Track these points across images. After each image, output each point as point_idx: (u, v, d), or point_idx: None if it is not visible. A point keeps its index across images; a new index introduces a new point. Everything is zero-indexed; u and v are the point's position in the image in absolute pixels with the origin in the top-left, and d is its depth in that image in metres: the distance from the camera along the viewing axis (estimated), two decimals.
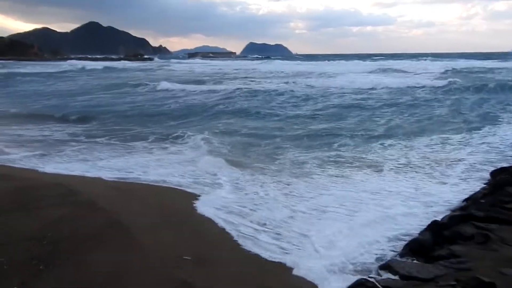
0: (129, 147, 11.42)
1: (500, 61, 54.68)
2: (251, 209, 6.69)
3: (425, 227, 5.35)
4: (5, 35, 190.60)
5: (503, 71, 35.09)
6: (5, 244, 4.83)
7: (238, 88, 25.57)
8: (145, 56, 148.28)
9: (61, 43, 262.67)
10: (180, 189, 7.81)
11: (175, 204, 7.03)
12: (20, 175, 7.85)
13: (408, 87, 24.72)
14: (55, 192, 6.60)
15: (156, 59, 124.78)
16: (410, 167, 8.99)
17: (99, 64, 68.96)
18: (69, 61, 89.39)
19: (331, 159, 9.84)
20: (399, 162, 9.35)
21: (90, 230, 5.38)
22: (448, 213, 6.15)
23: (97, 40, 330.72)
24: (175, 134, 13.06)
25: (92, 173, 8.72)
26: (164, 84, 28.87)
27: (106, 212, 6.07)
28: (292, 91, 24.38)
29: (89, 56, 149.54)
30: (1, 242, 4.87)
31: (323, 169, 8.99)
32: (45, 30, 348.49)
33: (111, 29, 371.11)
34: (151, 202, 7.00)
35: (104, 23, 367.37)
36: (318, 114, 16.78)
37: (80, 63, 73.56)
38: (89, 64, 69.50)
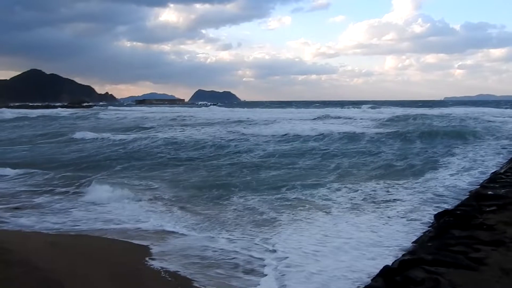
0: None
1: (438, 108, 56.25)
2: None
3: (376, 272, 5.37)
4: None
5: (445, 117, 35.34)
6: None
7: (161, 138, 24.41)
8: (85, 104, 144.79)
9: (1, 90, 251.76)
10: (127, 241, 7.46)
11: (123, 259, 6.65)
12: None
13: (355, 133, 24.94)
14: None
15: (94, 107, 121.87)
16: (357, 209, 9.22)
17: (29, 112, 66.07)
18: None
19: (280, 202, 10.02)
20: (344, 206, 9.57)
21: None
22: (396, 255, 6.28)
23: (39, 87, 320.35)
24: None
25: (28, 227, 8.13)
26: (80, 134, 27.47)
27: (42, 271, 5.57)
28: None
29: (30, 104, 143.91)
30: None
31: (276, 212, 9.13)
32: None
33: (54, 76, 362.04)
34: (97, 257, 6.57)
35: (48, 71, 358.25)
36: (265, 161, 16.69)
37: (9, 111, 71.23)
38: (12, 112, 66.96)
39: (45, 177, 13.51)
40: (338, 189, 11.24)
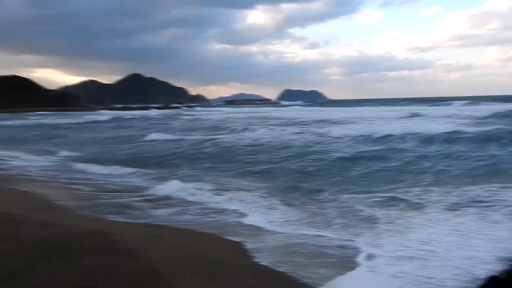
0: None
1: None
2: None
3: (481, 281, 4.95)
4: (55, 87, 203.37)
5: None
6: None
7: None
8: (173, 105, 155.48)
9: (106, 93, 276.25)
10: (226, 238, 7.82)
11: (221, 253, 6.93)
12: (65, 223, 7.97)
13: (448, 133, 22.54)
14: (95, 240, 6.63)
15: (183, 107, 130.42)
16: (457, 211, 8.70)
17: (127, 114, 72.63)
18: (99, 111, 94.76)
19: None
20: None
21: (129, 280, 5.29)
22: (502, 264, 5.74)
23: (139, 90, 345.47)
24: None
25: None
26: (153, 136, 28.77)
27: (144, 261, 5.99)
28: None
29: (130, 106, 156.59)
30: None
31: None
32: (91, 82, 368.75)
33: (152, 79, 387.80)
34: (194, 250, 6.94)
35: (146, 74, 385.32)
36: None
37: (109, 113, 79.97)
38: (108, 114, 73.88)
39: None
40: (434, 191, 10.61)
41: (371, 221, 8.54)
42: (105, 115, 71.98)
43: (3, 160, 19.15)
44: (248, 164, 16.86)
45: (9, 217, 7.75)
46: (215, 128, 35.88)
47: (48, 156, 20.60)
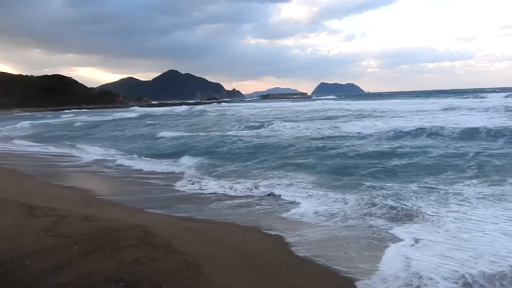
0: None
1: None
2: None
3: None
4: (96, 85, 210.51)
5: None
6: (85, 285, 4.91)
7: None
8: (206, 101, 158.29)
9: (144, 90, 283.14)
10: (264, 231, 7.85)
11: (257, 247, 6.94)
12: (104, 217, 8.16)
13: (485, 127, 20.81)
14: (133, 234, 6.74)
15: (214, 103, 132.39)
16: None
17: (150, 111, 74.45)
18: (132, 108, 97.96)
19: None
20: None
21: (166, 273, 5.33)
22: None
23: (176, 86, 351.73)
24: None
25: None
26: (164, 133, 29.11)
27: (181, 254, 6.02)
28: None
29: (167, 102, 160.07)
30: (83, 283, 4.96)
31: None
32: (130, 80, 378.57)
33: (188, 75, 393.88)
34: (231, 244, 6.96)
35: (182, 71, 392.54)
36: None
37: (140, 110, 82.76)
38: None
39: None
40: (475, 184, 10.28)
41: (416, 212, 8.41)
42: (135, 112, 73.32)
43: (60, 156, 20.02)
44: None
45: (52, 212, 8.00)
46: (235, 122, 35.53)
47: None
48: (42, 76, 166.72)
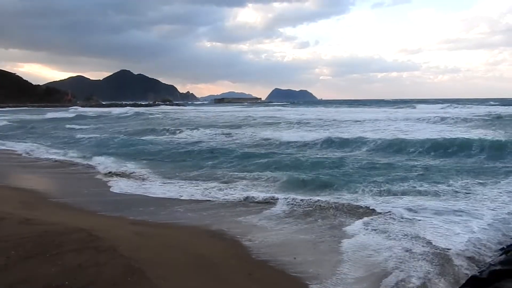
0: None
1: None
2: None
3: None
4: (42, 83, 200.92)
5: None
6: None
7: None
8: (160, 103, 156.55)
9: (94, 90, 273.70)
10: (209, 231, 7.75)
11: (204, 249, 6.89)
12: (46, 220, 7.86)
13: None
14: (76, 237, 6.54)
15: (162, 106, 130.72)
16: None
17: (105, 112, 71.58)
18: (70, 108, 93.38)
19: None
20: None
21: (110, 278, 5.22)
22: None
23: (128, 87, 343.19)
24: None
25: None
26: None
27: (127, 259, 5.92)
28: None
29: (118, 102, 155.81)
30: None
31: None
32: (79, 78, 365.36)
33: (141, 76, 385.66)
34: (181, 248, 6.88)
35: (135, 71, 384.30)
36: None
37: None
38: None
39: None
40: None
41: None
42: (72, 112, 70.43)
43: None
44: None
45: None
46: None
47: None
48: None
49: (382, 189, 10.97)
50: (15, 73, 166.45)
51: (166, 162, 16.80)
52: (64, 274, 5.16)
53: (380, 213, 8.85)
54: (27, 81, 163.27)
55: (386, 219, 8.42)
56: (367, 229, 7.91)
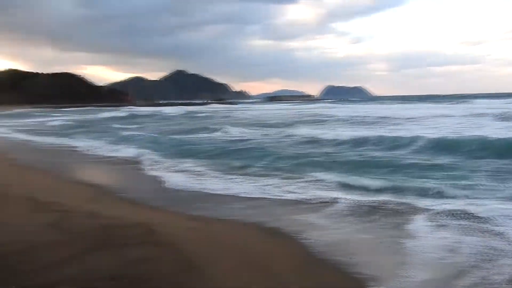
0: None
1: None
2: None
3: None
4: (104, 84, 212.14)
5: None
6: (88, 281, 4.96)
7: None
8: (213, 101, 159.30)
9: (152, 90, 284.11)
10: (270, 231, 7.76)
11: (264, 248, 6.89)
12: (108, 214, 8.21)
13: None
14: (137, 231, 6.78)
15: (214, 104, 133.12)
16: None
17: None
18: (122, 108, 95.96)
19: None
20: None
21: (168, 272, 5.36)
22: None
23: (182, 86, 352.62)
24: None
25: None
26: None
27: (184, 254, 6.05)
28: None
29: (174, 102, 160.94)
30: (86, 279, 5.01)
31: None
32: (138, 79, 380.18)
33: (195, 76, 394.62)
34: (233, 245, 6.93)
35: (190, 71, 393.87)
36: None
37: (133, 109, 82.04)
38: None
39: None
40: None
41: None
42: (123, 112, 72.82)
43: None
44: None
45: (58, 207, 8.08)
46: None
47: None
48: (52, 73, 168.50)
49: (446, 188, 10.45)
50: (80, 75, 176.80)
51: (220, 159, 17.01)
52: (126, 267, 5.36)
53: (449, 212, 8.39)
54: (91, 82, 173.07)
55: (456, 218, 7.98)
56: (433, 228, 7.54)
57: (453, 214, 8.27)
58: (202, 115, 57.43)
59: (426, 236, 7.18)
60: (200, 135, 27.00)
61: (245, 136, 25.41)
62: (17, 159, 17.35)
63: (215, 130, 30.39)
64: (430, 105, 65.14)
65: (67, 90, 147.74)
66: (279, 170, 14.17)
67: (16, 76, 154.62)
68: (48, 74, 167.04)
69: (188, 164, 15.70)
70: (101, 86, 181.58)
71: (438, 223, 7.79)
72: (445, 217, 8.12)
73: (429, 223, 7.82)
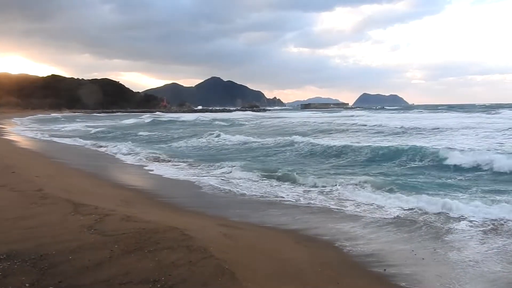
0: None
1: None
2: None
3: None
4: (141, 90, 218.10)
5: None
6: (124, 283, 5.01)
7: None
8: (247, 108, 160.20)
9: (187, 96, 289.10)
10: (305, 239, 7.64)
11: (296, 255, 6.79)
12: (143, 217, 8.31)
13: None
14: (170, 236, 6.82)
15: (236, 111, 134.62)
16: None
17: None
18: (144, 114, 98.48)
19: None
20: None
21: (201, 277, 5.34)
22: None
23: (218, 93, 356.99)
24: None
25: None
26: None
27: (217, 259, 6.02)
28: None
29: (209, 108, 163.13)
30: (121, 281, 5.06)
31: None
32: (174, 85, 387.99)
33: (230, 83, 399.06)
34: (267, 251, 6.84)
35: (225, 78, 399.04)
36: None
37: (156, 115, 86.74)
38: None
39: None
40: None
41: None
42: (146, 118, 74.66)
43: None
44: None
45: (95, 210, 8.26)
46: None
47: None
48: (92, 79, 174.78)
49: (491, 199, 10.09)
50: (118, 81, 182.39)
51: (257, 164, 17.06)
52: (160, 270, 5.38)
53: (493, 223, 8.03)
54: (128, 88, 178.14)
55: (503, 230, 7.63)
56: (477, 239, 7.23)
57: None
58: (208, 122, 59.04)
59: (472, 247, 6.90)
60: (233, 141, 27.70)
61: (279, 143, 25.48)
62: (62, 162, 17.96)
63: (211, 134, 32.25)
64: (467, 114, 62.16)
65: (108, 95, 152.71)
66: (313, 176, 14.06)
67: (57, 81, 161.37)
68: (87, 80, 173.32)
69: (219, 168, 15.84)
70: (138, 92, 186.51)
71: (485, 233, 7.49)
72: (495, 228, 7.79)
73: (473, 233, 7.53)
